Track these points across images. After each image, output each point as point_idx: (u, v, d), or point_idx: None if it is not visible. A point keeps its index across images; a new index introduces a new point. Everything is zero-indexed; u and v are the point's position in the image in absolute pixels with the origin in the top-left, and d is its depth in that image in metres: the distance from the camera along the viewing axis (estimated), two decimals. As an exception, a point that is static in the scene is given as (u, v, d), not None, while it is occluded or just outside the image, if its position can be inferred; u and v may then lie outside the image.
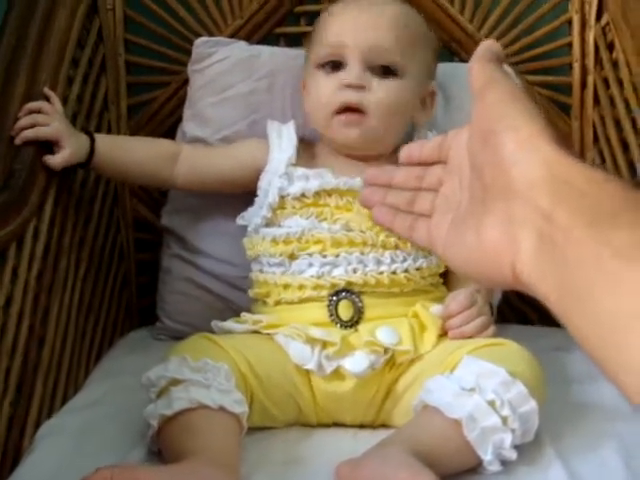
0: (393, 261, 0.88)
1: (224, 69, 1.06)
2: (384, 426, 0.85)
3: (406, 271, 0.88)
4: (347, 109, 0.91)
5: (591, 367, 0.92)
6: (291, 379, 0.83)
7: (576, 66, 1.13)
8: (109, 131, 1.12)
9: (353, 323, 0.86)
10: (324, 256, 0.88)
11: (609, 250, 0.38)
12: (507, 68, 0.53)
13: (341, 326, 0.85)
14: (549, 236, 0.41)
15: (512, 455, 0.73)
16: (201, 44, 1.09)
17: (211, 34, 1.12)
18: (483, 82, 0.49)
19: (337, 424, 0.85)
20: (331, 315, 0.86)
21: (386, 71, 0.91)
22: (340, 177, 0.90)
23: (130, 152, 0.98)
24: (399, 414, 0.83)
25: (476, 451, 0.72)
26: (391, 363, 0.83)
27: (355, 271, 0.87)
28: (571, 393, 0.88)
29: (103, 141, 0.96)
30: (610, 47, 1.09)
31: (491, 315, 0.88)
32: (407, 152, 0.57)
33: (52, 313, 0.89)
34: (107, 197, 1.09)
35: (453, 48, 1.13)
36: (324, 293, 0.87)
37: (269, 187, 0.92)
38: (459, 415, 0.72)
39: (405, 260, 0.89)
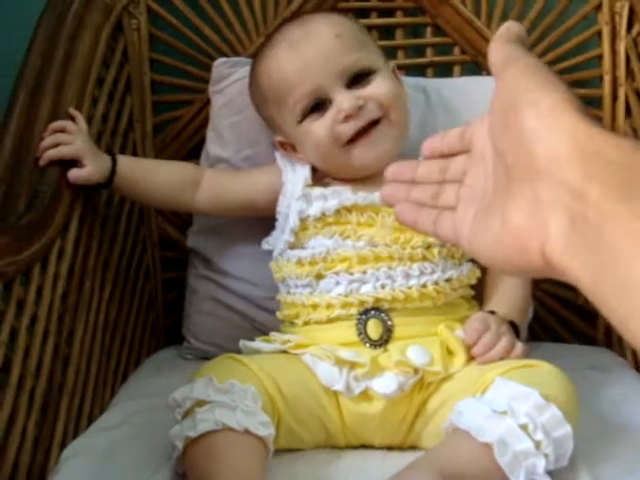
0: (422, 273, 0.86)
1: (243, 89, 1.05)
2: (413, 448, 0.83)
3: (435, 283, 0.87)
4: (359, 133, 0.89)
5: (628, 387, 0.92)
6: (319, 400, 0.82)
7: (607, 78, 1.11)
8: (134, 150, 1.12)
9: (382, 342, 0.84)
10: (351, 273, 0.86)
11: None
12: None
13: (370, 345, 0.84)
14: (581, 214, 0.38)
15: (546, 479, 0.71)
16: (220, 64, 1.09)
17: (235, 52, 1.12)
18: (502, 60, 0.47)
19: (365, 446, 0.84)
20: (360, 334, 0.84)
21: (363, 77, 0.90)
22: (358, 193, 0.89)
23: (152, 174, 0.97)
24: (428, 436, 0.81)
25: (508, 476, 0.70)
26: (420, 384, 0.82)
27: (383, 287, 0.86)
28: (606, 415, 0.85)
29: (126, 162, 0.96)
30: (642, 58, 1.07)
31: (516, 334, 0.86)
32: (429, 145, 0.55)
33: (77, 333, 0.89)
34: (132, 216, 1.09)
35: (480, 62, 1.12)
36: (353, 311, 0.85)
37: (288, 211, 0.92)
38: (490, 439, 0.70)
39: (434, 272, 0.87)
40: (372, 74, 0.91)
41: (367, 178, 0.92)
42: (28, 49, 0.96)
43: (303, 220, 0.90)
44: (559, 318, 1.13)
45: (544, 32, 1.12)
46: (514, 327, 0.86)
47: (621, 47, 1.10)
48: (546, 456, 0.70)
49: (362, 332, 0.84)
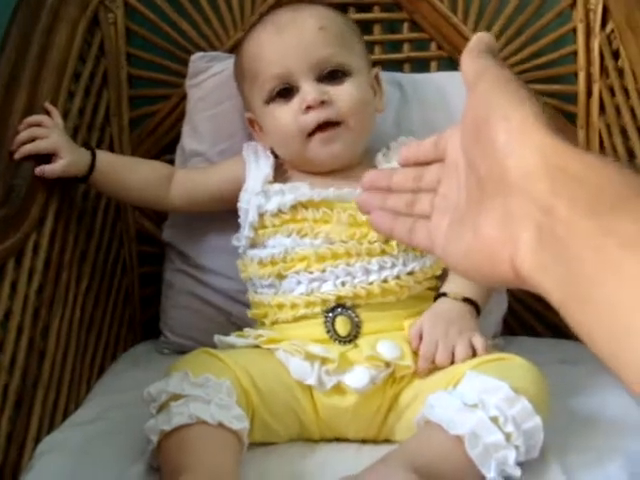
0: (382, 268, 0.86)
1: (219, 82, 1.06)
2: (387, 441, 0.83)
3: (397, 277, 0.87)
4: (319, 127, 0.90)
5: (597, 380, 0.93)
6: (293, 393, 0.82)
7: (581, 74, 1.12)
8: (111, 144, 1.11)
9: (352, 338, 0.84)
10: (310, 272, 0.87)
11: (613, 241, 0.36)
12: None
13: (340, 342, 0.84)
14: (549, 229, 0.39)
15: (516, 472, 0.71)
16: (197, 59, 1.09)
17: (213, 47, 1.12)
18: (475, 73, 0.48)
19: (339, 439, 0.84)
20: (328, 331, 0.85)
21: (337, 75, 0.91)
22: (315, 189, 0.89)
23: (130, 171, 0.98)
24: (401, 429, 0.82)
25: (479, 468, 0.70)
26: (392, 378, 0.82)
27: (344, 284, 0.86)
28: (577, 407, 0.86)
29: (105, 157, 0.96)
30: (615, 55, 1.08)
31: (476, 310, 0.87)
32: (404, 153, 0.56)
33: (53, 327, 0.89)
34: (109, 210, 1.09)
35: (456, 58, 1.12)
36: (317, 310, 0.86)
37: (248, 206, 0.92)
38: (461, 431, 0.71)
39: (394, 266, 0.87)
40: (347, 76, 0.91)
41: (327, 174, 0.93)
42: (3, 42, 0.95)
43: (261, 216, 0.90)
44: (533, 312, 1.14)
45: (520, 28, 1.13)
46: (472, 303, 0.87)
47: (595, 44, 1.11)
48: (517, 448, 0.71)
49: (330, 330, 0.85)
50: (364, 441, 0.84)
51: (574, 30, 1.13)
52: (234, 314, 1.03)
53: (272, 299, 0.88)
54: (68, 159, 0.91)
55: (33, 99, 0.93)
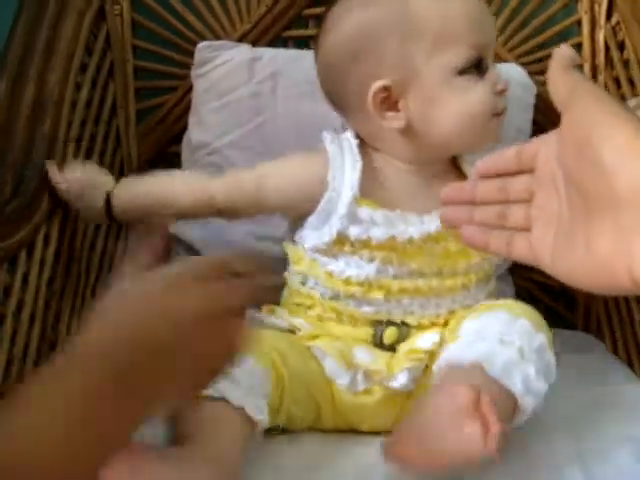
0: (453, 302, 0.83)
1: (225, 72, 1.05)
2: None
3: (464, 306, 0.83)
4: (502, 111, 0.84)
5: (608, 368, 0.93)
6: (316, 383, 0.81)
7: (586, 66, 1.12)
8: (118, 136, 1.11)
9: (392, 348, 0.82)
10: (387, 300, 0.82)
11: None
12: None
13: (381, 348, 0.82)
14: None
15: (541, 386, 0.73)
16: (203, 48, 1.08)
17: (219, 38, 1.12)
18: (566, 91, 0.49)
19: (353, 430, 0.83)
20: (374, 338, 0.82)
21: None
22: (409, 218, 0.81)
23: (168, 205, 0.86)
24: None
25: (506, 385, 0.71)
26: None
27: (412, 313, 0.82)
28: (589, 395, 0.87)
29: (121, 200, 0.88)
30: (621, 46, 1.09)
31: None
32: (484, 164, 0.56)
33: (63, 318, 0.89)
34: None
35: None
36: (378, 320, 0.83)
37: (327, 220, 0.81)
38: (475, 357, 0.72)
39: (466, 298, 0.84)
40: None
41: (419, 178, 0.84)
42: (10, 35, 0.95)
43: (342, 236, 0.81)
44: (538, 303, 1.14)
45: (526, 20, 1.13)
46: None
47: (600, 36, 1.11)
48: (532, 362, 0.73)
49: (377, 338, 0.82)
50: (377, 432, 0.82)
51: (579, 22, 1.13)
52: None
53: (328, 303, 0.83)
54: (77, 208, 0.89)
55: (41, 90, 0.93)
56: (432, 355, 0.80)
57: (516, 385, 0.71)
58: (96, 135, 1.03)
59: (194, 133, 1.07)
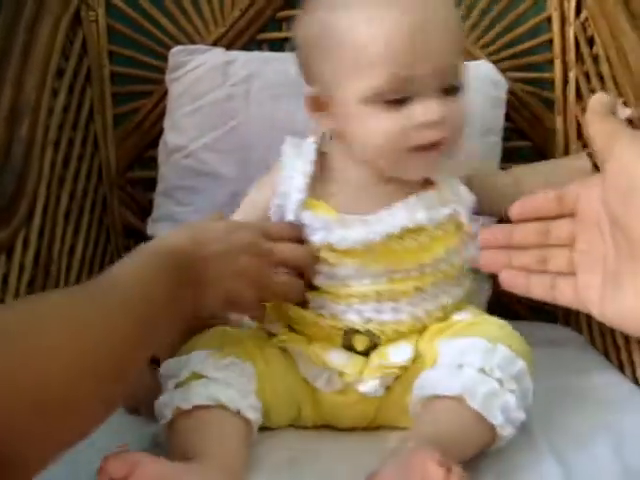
0: (413, 306, 0.81)
1: (199, 76, 1.06)
2: (378, 428, 0.83)
3: (427, 313, 0.81)
4: (427, 146, 0.76)
5: (585, 360, 0.94)
6: (296, 382, 0.81)
7: (557, 62, 1.14)
8: (95, 141, 1.12)
9: (366, 353, 0.81)
10: (337, 303, 0.80)
11: None
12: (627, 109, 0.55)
13: (354, 352, 0.81)
14: None
15: (520, 416, 0.73)
16: (177, 53, 1.09)
17: (194, 43, 1.13)
18: (607, 139, 0.50)
19: (331, 426, 0.83)
20: (345, 344, 0.81)
21: (453, 88, 0.76)
22: (350, 222, 0.79)
23: None
24: (398, 415, 0.81)
25: (487, 418, 0.71)
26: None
27: (370, 320, 0.80)
28: (564, 386, 0.88)
29: None
30: (590, 42, 1.10)
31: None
32: (519, 208, 0.56)
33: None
34: (96, 206, 1.10)
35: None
36: (340, 326, 0.81)
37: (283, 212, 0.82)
38: (458, 391, 0.71)
39: (425, 300, 0.81)
40: (459, 91, 0.77)
41: (383, 179, 0.81)
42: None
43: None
44: (519, 298, 1.15)
45: (497, 17, 1.15)
46: None
47: (570, 32, 1.13)
48: (512, 392, 0.72)
49: (348, 343, 0.81)
50: (354, 429, 0.83)
51: (549, 19, 1.15)
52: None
53: (290, 309, 0.82)
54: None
55: (18, 94, 0.94)
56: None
57: (496, 417, 0.71)
58: (74, 140, 1.03)
59: (169, 136, 1.08)
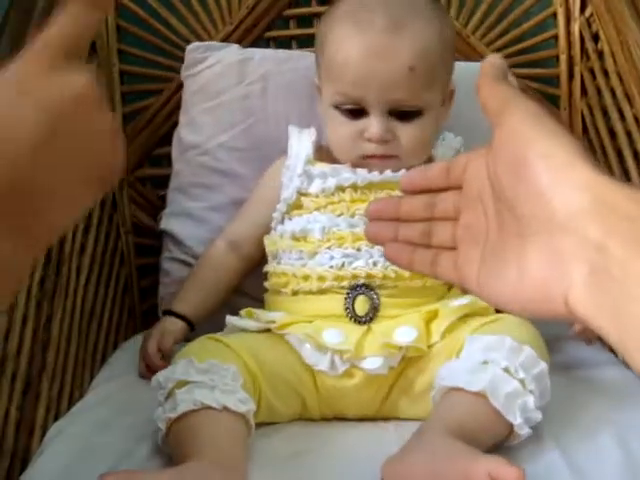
0: None
1: (216, 73, 1.07)
2: (385, 419, 0.85)
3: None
4: (375, 155, 0.89)
5: (592, 355, 0.94)
6: (296, 374, 0.84)
7: (563, 58, 1.15)
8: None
9: (367, 320, 0.85)
10: (345, 248, 0.87)
11: None
12: (511, 78, 0.50)
13: (355, 321, 0.85)
14: (603, 268, 0.38)
15: (537, 416, 0.75)
16: (194, 49, 1.10)
17: (202, 41, 1.14)
18: (498, 104, 0.46)
19: (338, 417, 0.86)
20: (347, 309, 0.85)
21: (409, 114, 0.88)
22: (358, 172, 0.89)
23: (212, 294, 0.99)
24: (405, 405, 0.84)
25: (506, 417, 0.73)
26: (403, 358, 0.83)
27: (375, 264, 0.86)
28: (569, 381, 0.89)
29: (194, 312, 0.97)
30: (595, 38, 1.11)
31: None
32: (408, 180, 0.53)
33: (55, 318, 0.91)
34: (106, 204, 1.11)
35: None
36: (344, 284, 0.86)
37: (289, 183, 0.92)
38: (481, 387, 0.73)
39: None
40: (419, 115, 0.88)
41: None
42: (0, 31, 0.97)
43: (300, 195, 0.91)
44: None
45: (503, 13, 1.16)
46: None
47: (575, 28, 1.14)
48: (532, 392, 0.74)
49: (349, 307, 0.85)
50: (362, 419, 0.85)
51: (554, 15, 1.15)
52: (231, 301, 1.05)
53: (299, 270, 0.88)
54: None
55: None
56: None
57: (515, 417, 0.73)
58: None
59: (185, 133, 1.09)
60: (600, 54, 1.09)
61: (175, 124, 1.11)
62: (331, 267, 0.86)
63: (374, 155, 0.88)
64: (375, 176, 0.88)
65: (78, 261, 0.98)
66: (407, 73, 0.86)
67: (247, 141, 1.06)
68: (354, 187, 0.89)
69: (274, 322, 0.85)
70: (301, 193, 0.91)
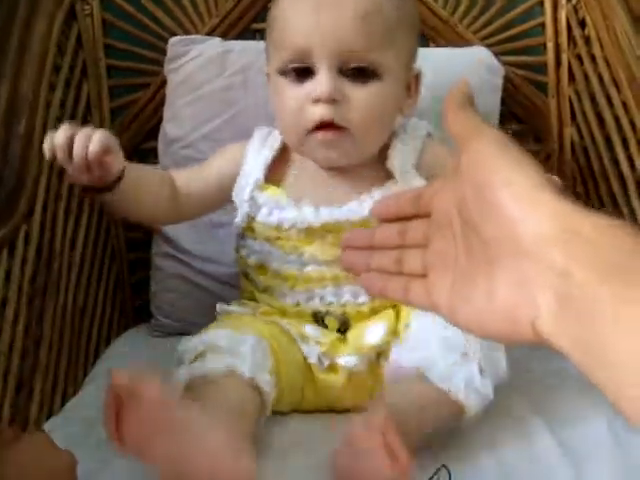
0: None
1: (198, 66, 1.07)
2: None
3: None
4: (322, 126, 0.80)
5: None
6: (300, 367, 0.84)
7: (550, 45, 1.15)
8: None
9: (341, 332, 0.86)
10: (298, 291, 0.86)
11: (629, 309, 0.37)
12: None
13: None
14: (567, 293, 0.39)
15: (487, 383, 0.74)
16: (176, 43, 1.10)
17: (188, 34, 1.13)
18: (464, 131, 0.47)
19: (332, 409, 0.86)
20: (318, 325, 0.86)
21: (363, 73, 0.80)
22: (303, 210, 0.84)
23: (147, 183, 0.87)
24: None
25: (444, 389, 0.72)
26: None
27: (330, 304, 0.85)
28: (558, 364, 0.89)
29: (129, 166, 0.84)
30: (582, 24, 1.11)
31: None
32: (381, 208, 0.54)
33: (47, 314, 0.91)
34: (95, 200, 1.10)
35: (427, 34, 1.14)
36: (308, 312, 0.86)
37: (240, 205, 0.88)
38: (417, 363, 0.74)
39: None
40: (374, 77, 0.81)
41: (332, 169, 0.87)
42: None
43: (252, 218, 0.87)
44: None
45: (489, 1, 1.15)
46: None
47: (562, 15, 1.14)
48: (476, 362, 0.73)
49: (320, 324, 0.86)
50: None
51: (541, 2, 1.15)
52: (223, 296, 1.04)
53: (263, 297, 0.88)
54: (120, 154, 0.80)
55: (16, 90, 0.94)
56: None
57: (458, 387, 0.72)
58: (72, 134, 1.03)
59: (169, 126, 1.09)
60: (587, 40, 1.09)
61: (162, 118, 1.11)
62: (288, 304, 0.86)
63: (321, 124, 0.80)
64: (316, 217, 0.83)
65: (69, 257, 0.98)
66: (359, 21, 0.79)
67: (229, 132, 1.05)
68: (297, 229, 0.84)
69: (260, 307, 0.87)
70: (251, 217, 0.87)
